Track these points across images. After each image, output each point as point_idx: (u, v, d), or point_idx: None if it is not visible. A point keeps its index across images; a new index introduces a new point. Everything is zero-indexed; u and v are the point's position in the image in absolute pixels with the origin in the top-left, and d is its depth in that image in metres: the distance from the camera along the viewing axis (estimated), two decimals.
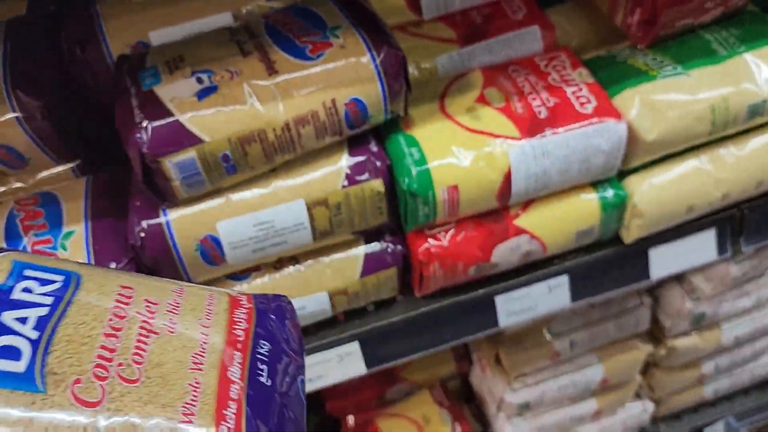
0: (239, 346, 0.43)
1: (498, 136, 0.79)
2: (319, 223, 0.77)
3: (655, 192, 0.87)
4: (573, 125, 0.80)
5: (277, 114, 0.69)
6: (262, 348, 0.43)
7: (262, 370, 0.42)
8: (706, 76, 0.85)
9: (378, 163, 0.77)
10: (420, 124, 0.80)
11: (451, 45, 0.89)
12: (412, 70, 0.88)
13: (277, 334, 0.45)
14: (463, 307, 0.91)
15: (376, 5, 0.80)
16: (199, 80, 0.69)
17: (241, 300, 0.48)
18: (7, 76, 0.73)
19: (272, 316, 0.47)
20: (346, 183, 0.76)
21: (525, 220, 0.85)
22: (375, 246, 0.84)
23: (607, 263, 0.94)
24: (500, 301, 0.93)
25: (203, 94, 0.68)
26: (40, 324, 0.39)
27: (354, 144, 0.78)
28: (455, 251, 0.84)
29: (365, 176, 0.76)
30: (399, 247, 0.84)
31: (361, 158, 0.77)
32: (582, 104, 0.81)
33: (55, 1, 0.84)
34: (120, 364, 0.39)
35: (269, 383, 0.42)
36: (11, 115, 0.72)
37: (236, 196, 0.74)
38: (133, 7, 0.79)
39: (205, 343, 0.42)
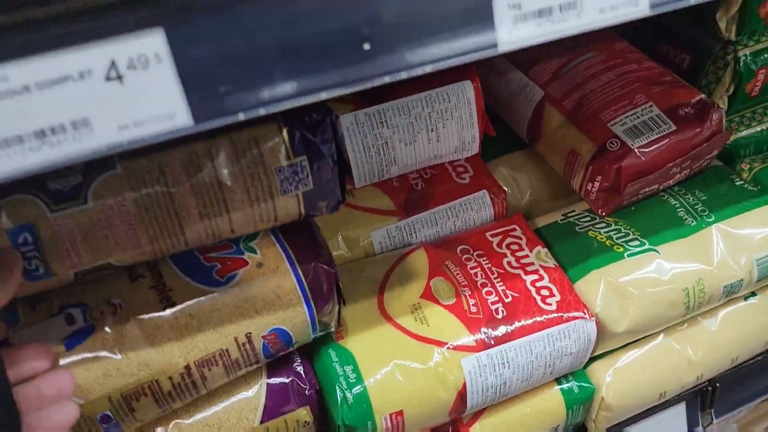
0: None
1: (448, 345, 0.66)
2: None
3: (625, 382, 0.76)
4: (536, 326, 0.68)
5: (173, 358, 0.54)
6: None
7: None
8: (677, 253, 0.76)
9: (305, 388, 0.63)
10: (355, 332, 0.66)
11: (389, 217, 0.76)
12: (343, 249, 0.75)
13: None
14: None
15: None
16: (70, 319, 0.53)
17: None
18: None
19: None
20: (264, 417, 0.61)
21: (480, 428, 0.72)
22: None
23: None
24: None
25: (75, 339, 0.52)
26: None
27: (274, 365, 0.63)
28: None
29: (289, 407, 0.62)
30: None
31: (282, 384, 0.62)
32: (544, 298, 0.70)
33: None
34: None
35: None
36: None
37: None
38: None
39: None
